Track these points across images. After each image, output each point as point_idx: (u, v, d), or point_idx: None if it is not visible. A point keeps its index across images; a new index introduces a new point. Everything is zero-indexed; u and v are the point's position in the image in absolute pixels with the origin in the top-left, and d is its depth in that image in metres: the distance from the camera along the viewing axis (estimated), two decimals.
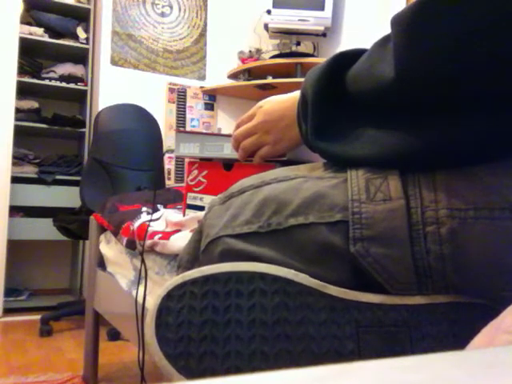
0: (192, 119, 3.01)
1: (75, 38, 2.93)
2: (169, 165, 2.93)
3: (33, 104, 2.84)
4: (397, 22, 0.44)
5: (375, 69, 0.48)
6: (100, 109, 2.47)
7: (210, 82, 3.04)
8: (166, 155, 2.89)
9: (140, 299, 1.05)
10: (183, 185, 1.23)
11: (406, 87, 0.45)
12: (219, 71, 3.07)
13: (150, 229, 1.06)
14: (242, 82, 2.87)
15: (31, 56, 2.90)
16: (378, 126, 0.48)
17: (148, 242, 1.04)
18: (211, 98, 3.08)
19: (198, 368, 0.40)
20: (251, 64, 2.85)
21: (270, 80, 2.77)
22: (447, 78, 0.42)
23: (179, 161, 2.94)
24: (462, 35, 0.40)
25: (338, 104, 0.52)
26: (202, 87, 3.03)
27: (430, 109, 0.45)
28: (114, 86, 2.79)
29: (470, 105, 0.43)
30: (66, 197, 2.82)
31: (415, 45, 0.42)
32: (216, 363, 0.40)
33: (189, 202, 1.02)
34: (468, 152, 0.43)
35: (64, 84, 2.86)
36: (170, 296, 0.42)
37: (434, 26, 0.41)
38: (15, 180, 2.65)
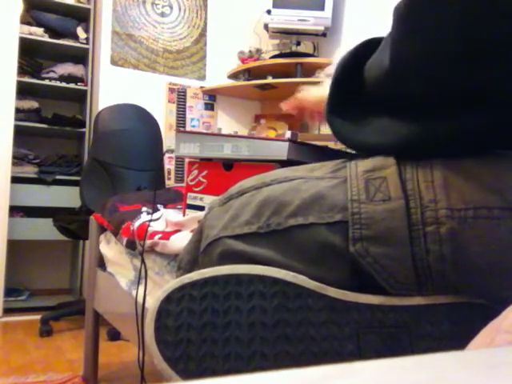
0: (192, 119, 3.01)
1: (75, 37, 2.93)
2: (169, 165, 2.93)
3: (33, 104, 2.84)
4: (394, 11, 0.46)
5: (379, 57, 0.50)
6: (100, 109, 2.47)
7: (210, 82, 3.04)
8: (166, 155, 2.89)
9: (140, 299, 1.05)
10: (183, 185, 1.23)
11: (399, 75, 0.46)
12: (219, 71, 3.07)
13: (149, 229, 1.06)
14: (241, 82, 2.87)
15: (31, 56, 2.90)
16: (387, 116, 0.49)
17: (148, 242, 1.04)
18: (211, 97, 3.08)
19: (198, 370, 0.40)
20: (251, 64, 2.85)
21: (269, 80, 2.77)
22: (437, 69, 0.43)
23: (179, 161, 2.94)
24: (453, 27, 0.41)
25: (355, 89, 0.54)
26: (202, 87, 3.02)
27: (432, 101, 0.45)
28: (114, 86, 2.79)
29: (467, 97, 0.43)
30: (66, 197, 2.82)
31: (408, 35, 0.44)
32: (216, 365, 0.40)
33: (189, 201, 1.02)
34: (466, 143, 0.44)
35: (64, 84, 2.86)
36: (169, 299, 0.42)
37: (426, 17, 0.42)
38: (15, 180, 2.64)
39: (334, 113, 0.54)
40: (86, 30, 3.00)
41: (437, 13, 0.41)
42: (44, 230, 2.73)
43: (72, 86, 2.88)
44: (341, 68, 0.55)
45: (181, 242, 0.94)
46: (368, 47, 0.54)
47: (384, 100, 0.50)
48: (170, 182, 2.92)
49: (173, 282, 0.43)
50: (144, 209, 1.29)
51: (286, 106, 0.99)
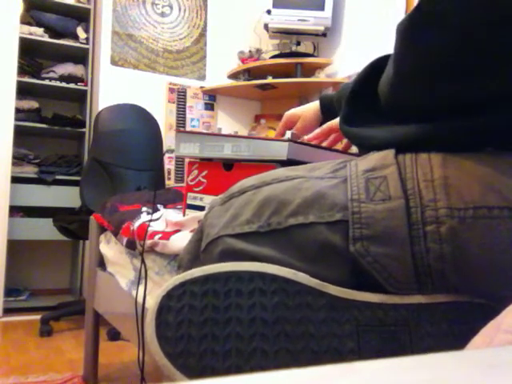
0: (192, 119, 3.01)
1: (75, 38, 2.93)
2: (169, 165, 2.93)
3: (33, 104, 2.84)
4: (396, 29, 0.48)
5: (386, 71, 0.51)
6: (100, 109, 2.47)
7: (210, 82, 3.04)
8: (166, 155, 2.89)
9: (140, 299, 1.05)
10: (183, 185, 1.23)
11: (403, 85, 0.48)
12: (219, 71, 3.07)
13: (150, 229, 1.06)
14: (241, 82, 2.87)
15: (31, 56, 2.90)
16: (393, 122, 0.51)
17: (148, 242, 1.04)
18: (211, 97, 3.08)
19: (198, 366, 0.40)
20: (251, 64, 2.85)
21: (270, 80, 2.77)
22: (438, 79, 0.45)
23: (179, 161, 2.94)
24: (453, 40, 0.42)
25: (369, 104, 0.56)
26: (202, 87, 3.03)
27: (434, 104, 0.47)
28: (114, 86, 2.79)
29: (468, 99, 0.44)
30: (66, 197, 2.82)
31: (409, 48, 0.46)
32: (216, 362, 0.40)
33: (189, 202, 1.02)
34: (467, 143, 0.45)
35: (64, 84, 2.86)
36: (170, 295, 0.42)
37: (423, 33, 0.44)
38: (15, 180, 2.65)
39: (346, 123, 0.57)
40: (86, 30, 3.00)
41: (436, 27, 0.43)
42: (44, 230, 2.73)
43: (72, 85, 2.89)
44: (356, 83, 0.57)
45: (181, 241, 0.94)
46: (382, 63, 0.55)
47: (392, 110, 0.51)
48: (170, 182, 2.92)
49: (174, 278, 0.43)
50: (144, 209, 1.29)
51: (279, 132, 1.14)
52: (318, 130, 1.04)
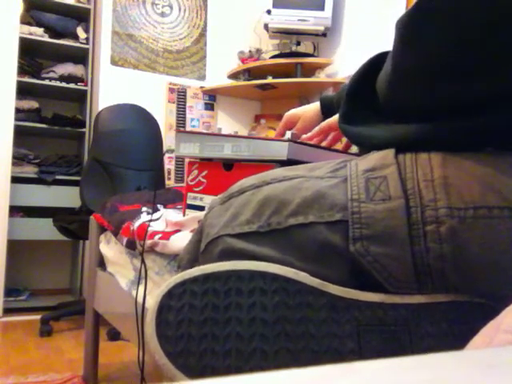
0: (192, 119, 3.01)
1: (75, 38, 2.93)
2: (169, 165, 2.93)
3: (33, 104, 2.84)
4: (396, 24, 0.47)
5: (385, 68, 0.51)
6: (100, 109, 2.47)
7: (210, 82, 3.04)
8: (166, 155, 2.89)
9: (140, 299, 1.05)
10: (183, 185, 1.23)
11: (401, 83, 0.48)
12: (219, 71, 3.07)
13: (149, 229, 1.06)
14: (241, 82, 2.87)
15: (31, 56, 2.90)
16: (393, 122, 0.51)
17: (148, 242, 1.04)
18: (211, 97, 3.08)
19: (198, 366, 0.40)
20: (251, 64, 2.85)
21: (270, 80, 2.77)
22: (436, 78, 0.45)
23: (179, 161, 2.94)
24: (453, 38, 0.43)
25: (368, 102, 0.56)
26: (202, 87, 3.02)
27: (433, 104, 0.47)
28: (114, 86, 2.79)
29: (468, 100, 0.44)
30: (66, 197, 2.82)
31: (408, 46, 0.46)
32: (216, 361, 0.40)
33: (189, 202, 1.02)
34: (467, 143, 0.45)
35: (64, 84, 2.86)
36: (170, 294, 0.42)
37: (426, 30, 0.44)
38: (15, 180, 2.64)
39: (345, 121, 0.57)
40: (86, 30, 3.00)
41: (435, 26, 0.42)
42: (44, 229, 2.73)
43: (72, 85, 2.89)
44: (354, 81, 0.57)
45: (181, 242, 0.94)
46: (381, 60, 0.55)
47: (391, 108, 0.51)
48: (170, 182, 2.92)
49: (174, 278, 0.43)
50: (144, 209, 1.29)
51: (279, 133, 1.15)
52: (316, 129, 1.02)
